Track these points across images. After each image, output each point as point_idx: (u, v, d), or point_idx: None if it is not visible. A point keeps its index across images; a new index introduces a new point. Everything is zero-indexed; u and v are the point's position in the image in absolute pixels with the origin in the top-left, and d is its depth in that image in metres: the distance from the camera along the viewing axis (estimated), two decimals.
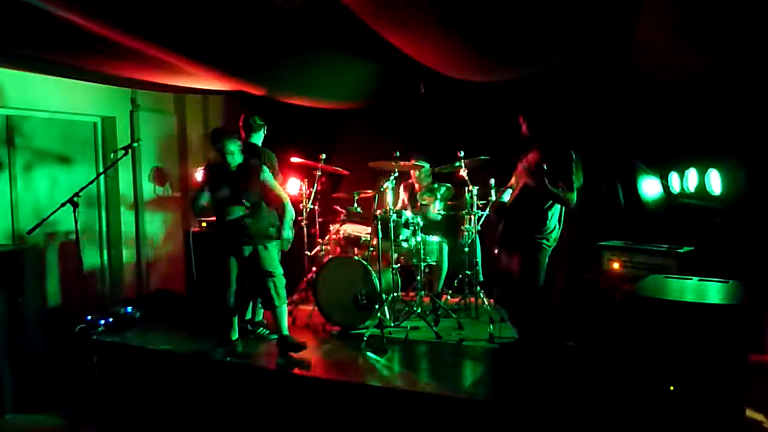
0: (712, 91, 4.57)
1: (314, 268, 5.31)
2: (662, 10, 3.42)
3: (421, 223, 4.90)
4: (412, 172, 5.58)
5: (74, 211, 3.98)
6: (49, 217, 4.03)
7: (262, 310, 4.80)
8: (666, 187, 4.96)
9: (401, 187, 5.79)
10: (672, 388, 2.89)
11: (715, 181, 4.21)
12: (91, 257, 5.78)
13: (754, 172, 4.42)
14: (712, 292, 3.21)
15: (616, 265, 4.19)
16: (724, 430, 2.82)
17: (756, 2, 3.18)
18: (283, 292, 4.30)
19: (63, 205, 4.01)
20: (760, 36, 3.67)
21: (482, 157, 4.93)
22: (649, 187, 5.17)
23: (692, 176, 4.41)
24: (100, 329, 4.82)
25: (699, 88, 4.58)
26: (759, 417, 3.31)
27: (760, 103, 4.42)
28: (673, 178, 4.78)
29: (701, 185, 4.31)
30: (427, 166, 5.40)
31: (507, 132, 5.55)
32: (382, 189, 4.72)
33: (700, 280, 3.44)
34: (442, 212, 5.29)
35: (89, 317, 4.77)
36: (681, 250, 4.32)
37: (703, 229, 4.46)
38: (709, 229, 4.34)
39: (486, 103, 5.62)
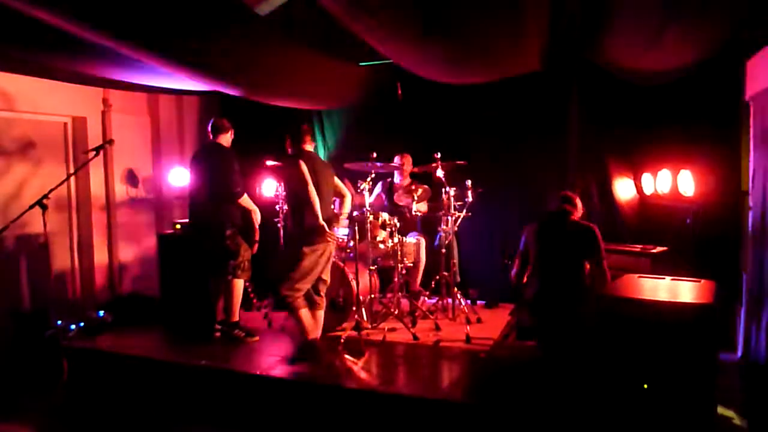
0: (682, 96, 4.68)
1: None
2: (633, 18, 3.47)
3: (398, 224, 4.89)
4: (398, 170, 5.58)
5: (43, 214, 3.88)
6: (16, 219, 3.91)
7: (236, 311, 4.72)
8: (639, 188, 5.05)
9: (378, 187, 5.78)
10: (645, 386, 2.93)
11: (686, 183, 4.28)
12: (62, 260, 5.65)
13: (723, 173, 4.53)
14: (684, 291, 3.26)
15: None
16: (696, 426, 2.87)
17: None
18: None
19: (31, 207, 3.91)
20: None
21: (459, 162, 4.95)
22: (623, 189, 5.25)
23: (664, 178, 4.48)
24: (70, 334, 4.72)
25: (671, 93, 4.68)
26: (729, 413, 3.37)
27: (726, 109, 4.54)
28: (646, 179, 4.86)
29: (673, 187, 4.39)
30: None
31: (485, 133, 5.62)
32: (359, 190, 4.69)
33: (672, 279, 3.50)
34: (419, 213, 5.26)
35: (59, 321, 4.65)
36: (654, 251, 4.41)
37: (676, 229, 4.55)
38: (681, 229, 4.42)
39: (464, 105, 5.65)
